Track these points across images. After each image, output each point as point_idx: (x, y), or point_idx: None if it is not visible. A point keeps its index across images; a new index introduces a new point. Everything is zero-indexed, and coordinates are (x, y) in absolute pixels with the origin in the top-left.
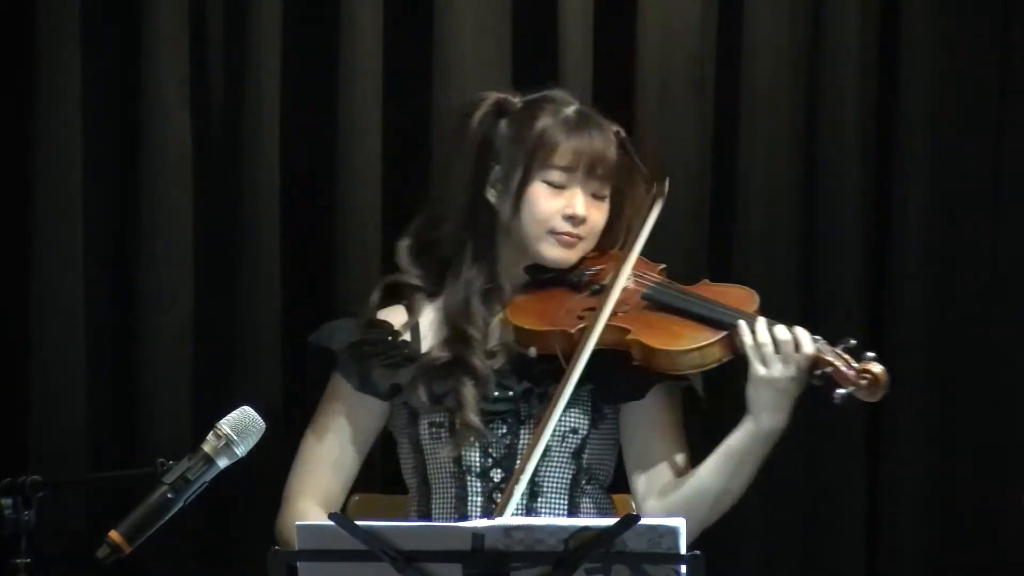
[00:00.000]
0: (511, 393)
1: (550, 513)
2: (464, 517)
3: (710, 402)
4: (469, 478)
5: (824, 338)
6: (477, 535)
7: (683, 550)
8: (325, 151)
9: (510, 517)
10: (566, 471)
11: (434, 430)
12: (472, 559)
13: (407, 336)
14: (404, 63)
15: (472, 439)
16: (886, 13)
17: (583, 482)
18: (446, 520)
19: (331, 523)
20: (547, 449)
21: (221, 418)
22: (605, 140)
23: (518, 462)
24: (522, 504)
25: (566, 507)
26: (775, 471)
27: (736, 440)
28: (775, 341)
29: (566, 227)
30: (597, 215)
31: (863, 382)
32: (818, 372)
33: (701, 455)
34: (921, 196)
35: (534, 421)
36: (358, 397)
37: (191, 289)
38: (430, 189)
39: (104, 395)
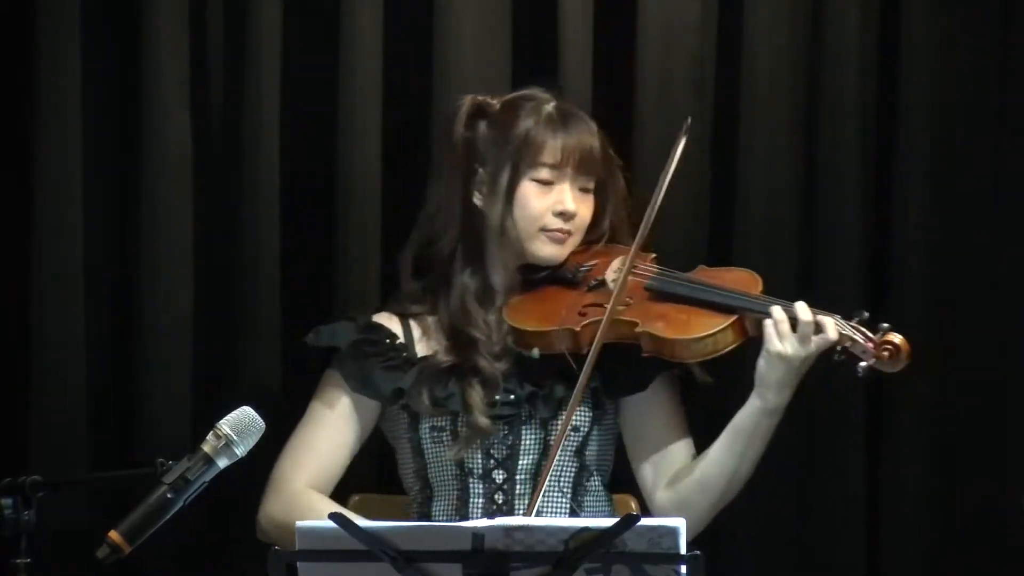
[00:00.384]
0: (513, 397)
1: (554, 511)
2: (465, 519)
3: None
4: (471, 480)
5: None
6: (477, 535)
7: (683, 550)
8: (325, 151)
9: (510, 517)
10: (569, 469)
11: (436, 434)
12: (472, 559)
13: (402, 339)
14: (404, 63)
15: (477, 443)
16: (886, 13)
17: (585, 479)
18: (447, 522)
19: (331, 523)
20: (550, 448)
21: (221, 418)
22: (588, 132)
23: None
24: (523, 504)
25: (568, 505)
26: (775, 470)
27: (743, 418)
28: (796, 320)
29: (557, 223)
30: (585, 209)
31: (885, 354)
32: (839, 348)
33: (703, 444)
34: (921, 196)
35: (536, 422)
36: (353, 395)
37: (191, 289)
38: (425, 198)
39: (104, 395)
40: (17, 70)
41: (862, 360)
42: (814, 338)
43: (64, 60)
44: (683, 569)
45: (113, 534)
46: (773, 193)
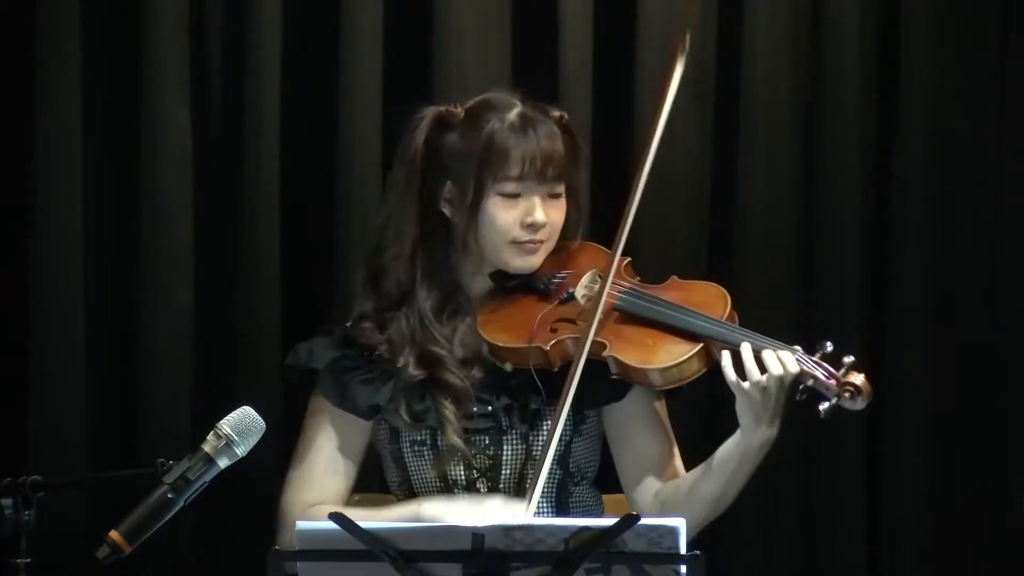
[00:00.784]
0: (490, 408)
1: (537, 515)
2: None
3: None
4: (456, 491)
5: (806, 341)
6: (477, 535)
7: (683, 550)
8: (325, 151)
9: (508, 518)
10: (552, 477)
11: (416, 448)
12: (472, 559)
13: (382, 351)
14: (404, 64)
15: (455, 459)
16: (886, 13)
17: (570, 485)
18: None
19: (331, 523)
20: (532, 459)
21: (221, 418)
22: (551, 138)
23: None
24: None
25: (554, 509)
26: (775, 472)
27: (728, 451)
28: (759, 361)
29: (527, 235)
30: (556, 214)
31: (846, 394)
32: (801, 387)
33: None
34: (921, 196)
35: (517, 432)
36: (340, 414)
37: (191, 289)
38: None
39: (104, 395)
40: (17, 71)
41: (825, 399)
42: (775, 375)
43: (64, 60)
44: (683, 569)
45: (113, 534)
46: (773, 193)
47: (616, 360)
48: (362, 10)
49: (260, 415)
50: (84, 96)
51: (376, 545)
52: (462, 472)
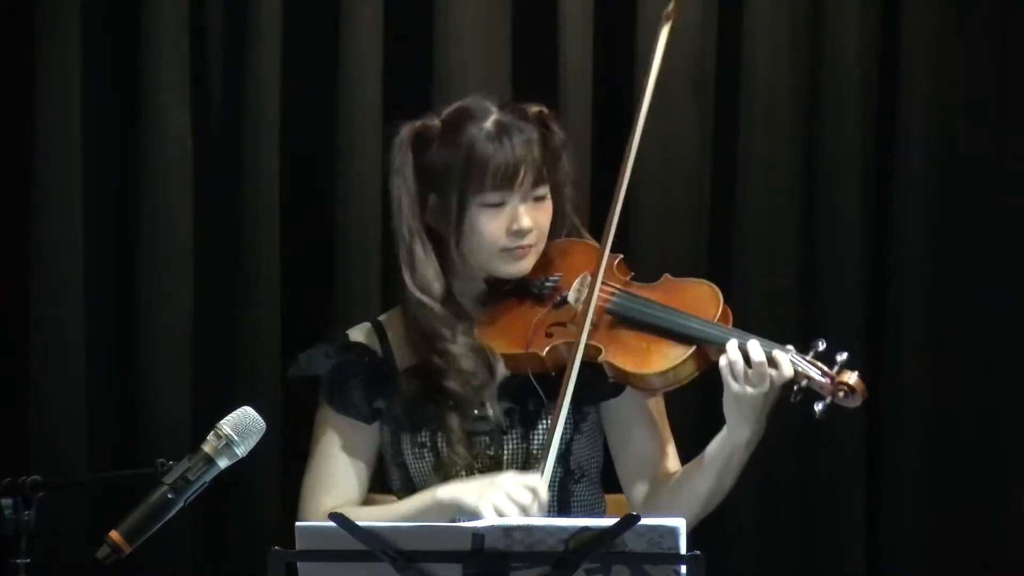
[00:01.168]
0: (491, 412)
1: (539, 514)
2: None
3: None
4: None
5: (800, 341)
6: (477, 535)
7: (683, 550)
8: (325, 151)
9: (508, 518)
10: (553, 475)
11: (417, 450)
12: (472, 559)
13: (380, 353)
14: (404, 63)
15: (458, 467)
16: (886, 13)
17: (571, 483)
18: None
19: (331, 523)
20: (533, 457)
21: (221, 418)
22: (527, 144)
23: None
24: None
25: (556, 506)
26: (775, 471)
27: (715, 449)
28: (747, 359)
29: (515, 242)
30: (542, 216)
31: (840, 393)
32: (796, 388)
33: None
34: (921, 196)
35: (518, 433)
36: (346, 419)
37: (191, 289)
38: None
39: (104, 395)
40: (17, 70)
41: (820, 398)
42: (771, 374)
43: (64, 60)
44: (683, 569)
45: (113, 534)
46: (773, 193)
47: (611, 366)
48: (362, 10)
49: (260, 415)
50: (84, 96)
51: (376, 545)
52: (463, 474)
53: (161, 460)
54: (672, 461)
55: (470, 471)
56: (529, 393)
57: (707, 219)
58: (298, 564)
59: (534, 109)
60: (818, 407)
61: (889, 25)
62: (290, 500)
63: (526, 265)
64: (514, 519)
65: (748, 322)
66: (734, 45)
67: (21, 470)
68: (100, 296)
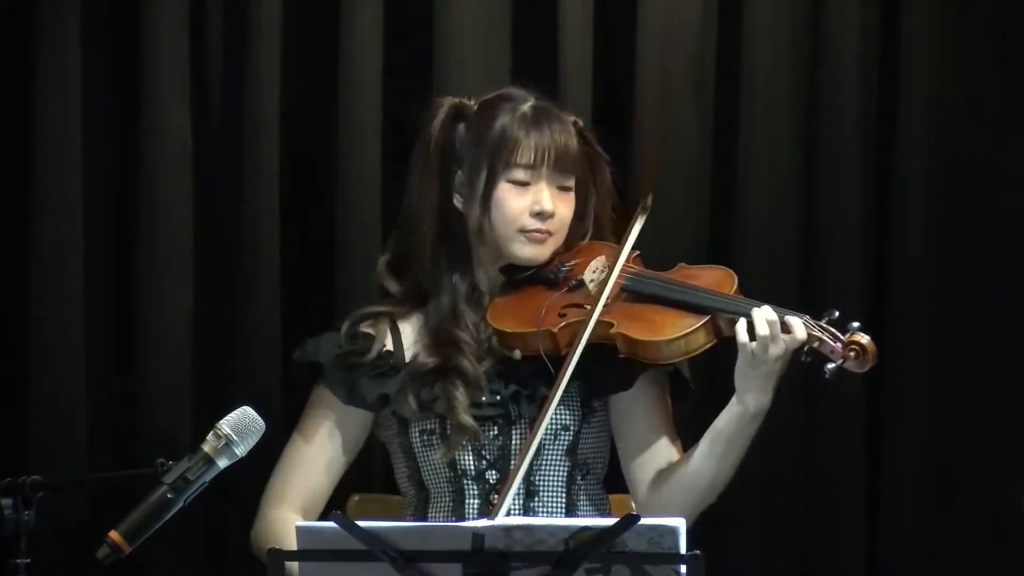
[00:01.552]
0: (499, 397)
1: (547, 511)
2: (461, 519)
3: (699, 387)
4: (465, 481)
5: (809, 314)
6: (477, 535)
7: (683, 550)
8: (325, 151)
9: (509, 517)
10: (561, 468)
11: (426, 437)
12: (472, 559)
13: (390, 347)
14: (404, 63)
15: (465, 442)
16: (886, 13)
17: (578, 478)
18: (447, 522)
19: (331, 523)
20: (540, 448)
21: (221, 418)
22: (564, 131)
23: (512, 462)
24: (519, 504)
25: (564, 505)
26: (775, 470)
27: (724, 422)
28: (767, 325)
29: (535, 224)
30: (564, 208)
31: (851, 354)
32: (806, 349)
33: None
34: (921, 196)
35: (526, 422)
36: (343, 408)
37: (191, 289)
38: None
39: (104, 395)
40: (17, 70)
41: (830, 360)
42: (784, 338)
43: (64, 60)
44: (683, 569)
45: (113, 534)
46: (773, 193)
47: (623, 336)
48: (362, 10)
49: (260, 415)
50: (84, 96)
51: (376, 545)
52: (471, 462)
53: (161, 460)
54: (677, 455)
55: (479, 460)
56: (540, 379)
57: (707, 219)
58: (298, 564)
59: (571, 117)
60: (829, 367)
61: (889, 25)
62: None
63: (543, 251)
64: (514, 519)
65: None
66: (734, 45)
67: (21, 470)
68: (100, 296)
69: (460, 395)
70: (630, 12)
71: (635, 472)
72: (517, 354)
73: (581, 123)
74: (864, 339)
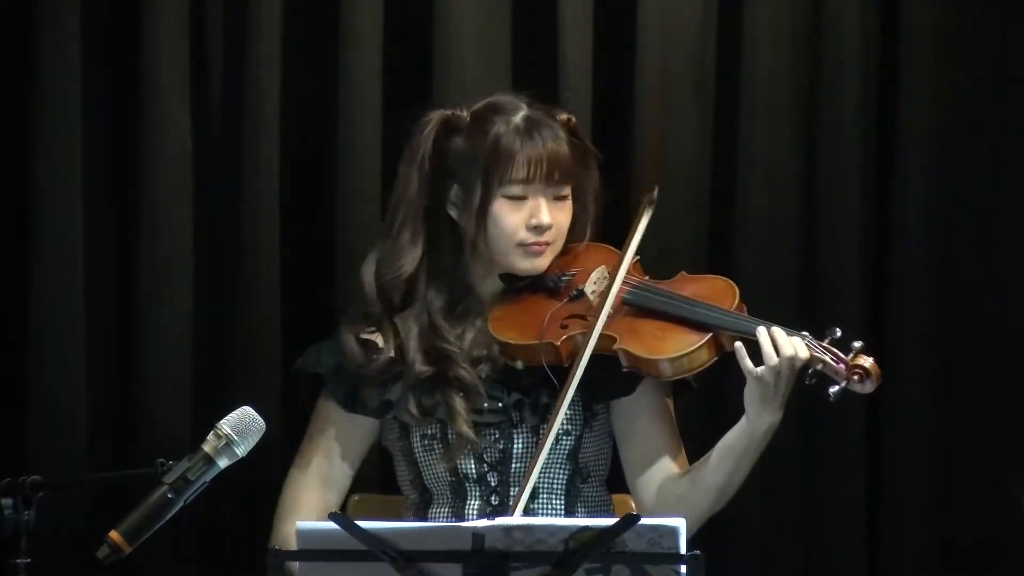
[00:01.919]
0: (500, 404)
1: (548, 514)
2: (462, 520)
3: (708, 393)
4: (467, 484)
5: (811, 333)
6: (477, 535)
7: (683, 550)
8: (325, 151)
9: (510, 517)
10: (562, 473)
11: (427, 442)
12: (472, 559)
13: (392, 354)
14: (404, 64)
15: (466, 450)
16: (886, 13)
17: (579, 482)
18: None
19: (332, 524)
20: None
21: (221, 418)
22: (556, 140)
23: (513, 466)
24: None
25: (563, 508)
26: (775, 472)
27: (733, 438)
28: (772, 345)
29: (533, 237)
30: (562, 216)
31: (855, 377)
32: (810, 371)
33: (699, 446)
34: (921, 196)
35: (527, 427)
36: (347, 417)
37: (191, 289)
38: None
39: (104, 395)
40: (17, 70)
41: (834, 383)
42: (786, 358)
43: (64, 60)
44: (683, 569)
45: (113, 534)
46: (773, 193)
47: (626, 352)
48: (362, 10)
49: (260, 415)
50: (84, 96)
51: (376, 545)
52: (472, 466)
53: (161, 460)
54: (680, 461)
55: (479, 464)
56: (542, 386)
57: (707, 219)
58: (298, 564)
59: (562, 116)
60: (832, 390)
61: (889, 25)
62: None
63: (542, 262)
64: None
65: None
66: (734, 45)
67: (21, 470)
68: (100, 296)
69: (458, 405)
70: (630, 12)
71: (640, 483)
72: (520, 364)
73: (574, 120)
74: (867, 362)
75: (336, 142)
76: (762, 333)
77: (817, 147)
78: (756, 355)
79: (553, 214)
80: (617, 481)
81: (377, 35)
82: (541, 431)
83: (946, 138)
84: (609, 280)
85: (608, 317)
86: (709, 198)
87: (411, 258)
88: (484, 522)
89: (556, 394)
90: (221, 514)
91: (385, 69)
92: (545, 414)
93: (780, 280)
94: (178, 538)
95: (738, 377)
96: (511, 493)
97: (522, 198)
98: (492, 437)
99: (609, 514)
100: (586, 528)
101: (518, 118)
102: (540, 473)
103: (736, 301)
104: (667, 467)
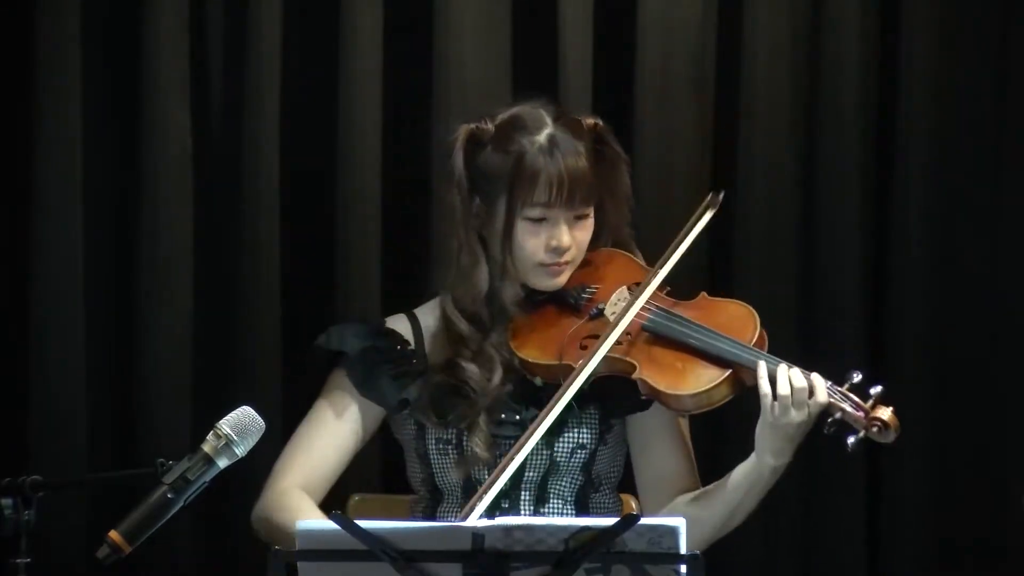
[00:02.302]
0: (518, 417)
1: (559, 516)
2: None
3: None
4: (479, 487)
5: (832, 378)
6: (477, 535)
7: (683, 550)
8: (325, 151)
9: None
10: (574, 482)
11: (442, 446)
12: (472, 559)
13: (413, 346)
14: (404, 64)
15: (480, 464)
16: (886, 13)
17: (591, 491)
18: (447, 521)
19: (332, 524)
20: (556, 464)
21: (221, 418)
22: (577, 158)
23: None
24: (529, 509)
25: (574, 511)
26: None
27: (741, 476)
28: (791, 387)
29: (553, 259)
30: (582, 235)
31: (874, 429)
32: (830, 420)
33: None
34: (921, 196)
35: (542, 441)
36: (360, 399)
37: (191, 289)
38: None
39: (104, 395)
40: (17, 71)
41: (853, 432)
42: (808, 402)
43: (64, 60)
44: (683, 569)
45: (113, 534)
46: (773, 193)
47: (645, 383)
48: (362, 10)
49: (260, 415)
50: (84, 96)
51: (376, 545)
52: (486, 473)
53: (161, 460)
54: (691, 480)
55: (492, 467)
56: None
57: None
58: (298, 564)
59: (589, 121)
60: (850, 440)
61: (889, 25)
62: None
63: (561, 280)
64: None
65: None
66: (734, 45)
67: (21, 470)
68: (100, 296)
69: (481, 420)
70: (630, 12)
71: (649, 499)
72: (538, 380)
73: (601, 124)
74: (886, 414)
75: (336, 142)
76: (783, 373)
77: (817, 147)
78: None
79: (573, 233)
80: (622, 482)
81: (377, 35)
82: (555, 445)
83: (946, 138)
84: (628, 303)
85: (627, 343)
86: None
87: (480, 277)
88: (484, 522)
89: (572, 410)
90: (221, 514)
91: (385, 69)
92: (560, 428)
93: (780, 280)
94: (178, 538)
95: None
96: (522, 498)
97: (542, 219)
98: (507, 447)
99: (619, 515)
100: (586, 528)
101: (542, 137)
102: (552, 483)
103: (756, 332)
104: (678, 486)
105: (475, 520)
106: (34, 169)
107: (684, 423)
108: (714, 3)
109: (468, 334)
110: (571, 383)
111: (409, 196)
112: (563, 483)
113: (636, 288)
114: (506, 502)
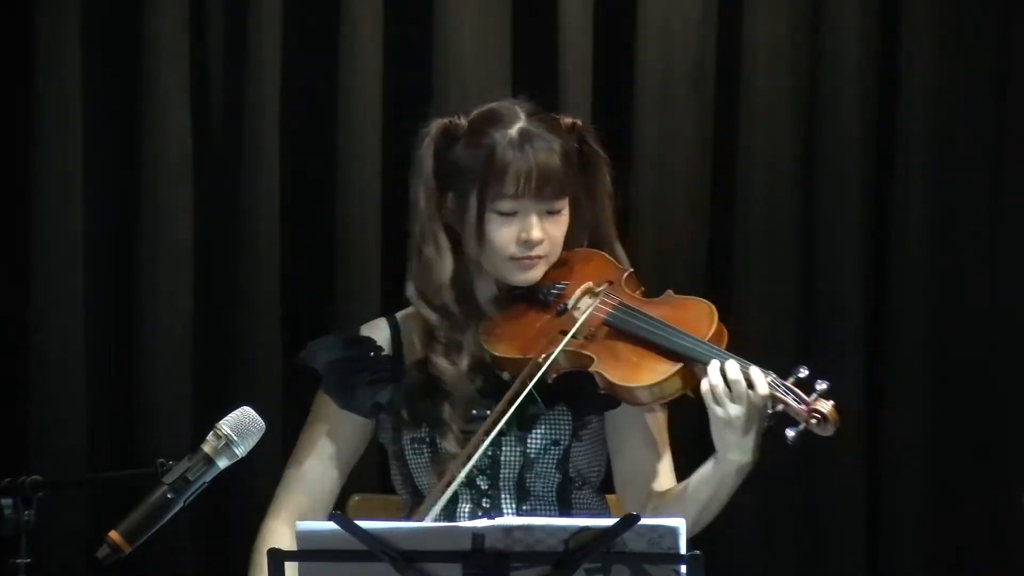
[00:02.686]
0: (488, 413)
1: (541, 515)
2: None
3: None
4: (458, 488)
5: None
6: (477, 535)
7: (683, 550)
8: (325, 151)
9: (510, 517)
10: (552, 478)
11: (416, 446)
12: (472, 559)
13: (389, 350)
14: (404, 63)
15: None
16: (886, 13)
17: (572, 490)
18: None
19: (332, 524)
20: (530, 460)
21: (221, 418)
22: (549, 153)
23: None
24: (511, 505)
25: (556, 507)
26: (775, 470)
27: (705, 474)
28: (726, 381)
29: (524, 252)
30: (555, 230)
31: (813, 420)
32: (771, 412)
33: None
34: (921, 196)
35: (514, 436)
36: (342, 415)
37: (191, 289)
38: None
39: (104, 395)
40: (18, 70)
41: (795, 422)
42: (749, 394)
43: (64, 60)
44: (683, 569)
45: (113, 534)
46: (773, 193)
47: (601, 376)
48: (362, 10)
49: (260, 415)
50: (84, 96)
51: (376, 545)
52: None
53: (161, 460)
54: (666, 478)
55: (468, 472)
56: (528, 397)
57: (707, 219)
58: (298, 564)
59: (567, 121)
60: (790, 433)
61: (889, 25)
62: None
63: (534, 275)
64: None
65: (748, 323)
66: (734, 45)
67: (21, 470)
68: (100, 296)
69: (449, 418)
70: (630, 13)
71: (627, 495)
72: (506, 375)
73: (580, 123)
74: (826, 407)
75: (336, 141)
76: (715, 366)
77: (817, 147)
78: None
79: (545, 228)
80: (610, 482)
81: (377, 35)
82: (528, 442)
83: (946, 138)
84: (591, 300)
85: (587, 338)
86: (709, 199)
87: (442, 268)
88: (484, 522)
89: (538, 404)
90: (221, 514)
91: (385, 69)
92: (531, 425)
93: (780, 280)
94: (178, 538)
95: None
96: (502, 497)
97: (513, 213)
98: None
99: (606, 516)
100: (586, 528)
101: (514, 131)
102: (532, 478)
103: (713, 328)
104: (653, 482)
105: (433, 516)
106: (34, 169)
107: (662, 420)
108: (714, 3)
109: (436, 323)
110: (527, 375)
111: (409, 196)
112: (540, 481)
113: (604, 285)
114: (487, 501)
